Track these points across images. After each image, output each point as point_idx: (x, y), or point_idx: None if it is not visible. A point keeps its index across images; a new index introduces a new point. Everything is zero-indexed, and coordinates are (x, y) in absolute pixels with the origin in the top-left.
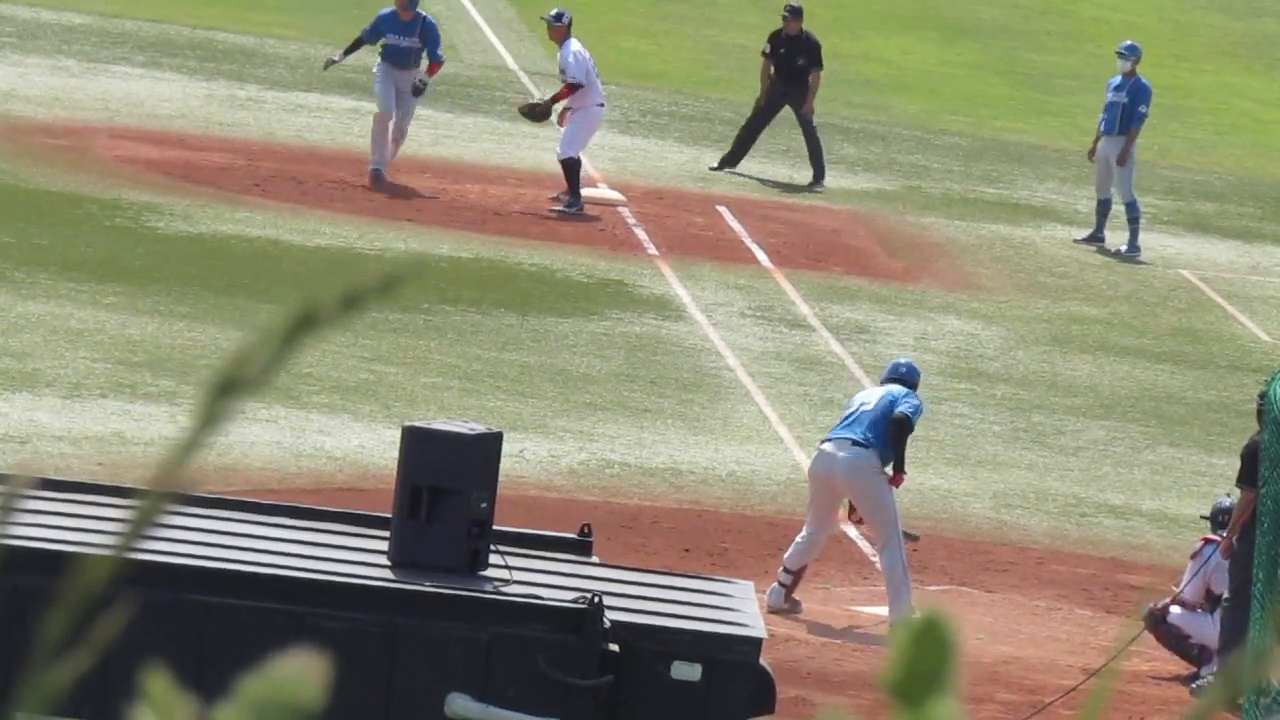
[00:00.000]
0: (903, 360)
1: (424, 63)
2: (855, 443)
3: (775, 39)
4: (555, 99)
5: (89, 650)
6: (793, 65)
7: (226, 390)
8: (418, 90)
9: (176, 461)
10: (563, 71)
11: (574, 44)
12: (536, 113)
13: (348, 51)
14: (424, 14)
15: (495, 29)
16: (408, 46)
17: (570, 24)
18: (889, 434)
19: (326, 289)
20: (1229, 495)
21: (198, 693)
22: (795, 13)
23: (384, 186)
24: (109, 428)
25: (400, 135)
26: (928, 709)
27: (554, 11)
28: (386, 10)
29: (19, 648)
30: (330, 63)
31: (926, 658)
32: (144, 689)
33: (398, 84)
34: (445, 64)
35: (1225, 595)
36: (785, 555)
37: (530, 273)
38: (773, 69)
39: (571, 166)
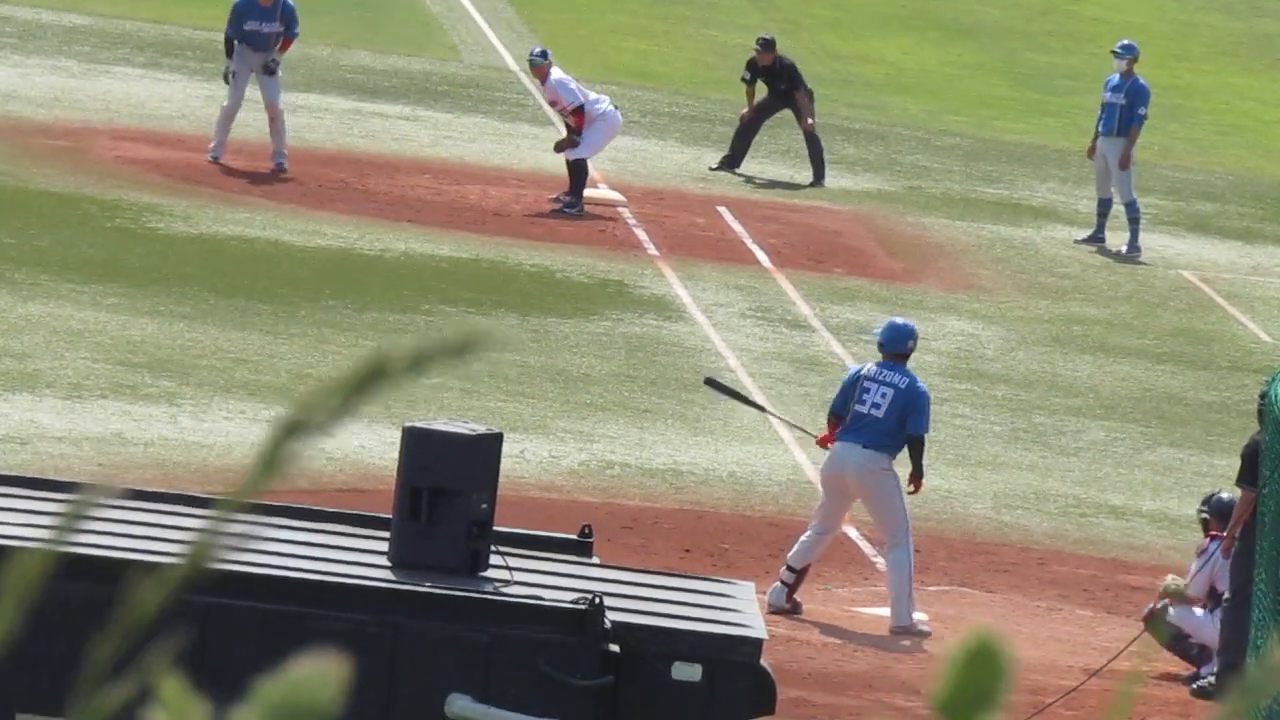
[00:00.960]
0: (899, 322)
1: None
2: (866, 445)
3: (752, 67)
4: (575, 130)
5: (148, 668)
6: (776, 90)
7: (291, 434)
8: (270, 70)
9: (239, 498)
10: (554, 104)
11: (555, 74)
12: (567, 144)
13: (228, 54)
14: None
15: (495, 29)
16: (269, 32)
17: (552, 61)
18: (911, 453)
19: (400, 343)
20: (1226, 491)
21: (198, 695)
22: (766, 45)
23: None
24: (109, 428)
25: (275, 116)
26: None
27: (538, 50)
28: None
29: (21, 652)
30: (229, 73)
31: (978, 678)
32: (158, 692)
33: (254, 68)
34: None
35: (1226, 594)
36: (789, 554)
37: (531, 273)
38: (765, 87)
39: (579, 168)
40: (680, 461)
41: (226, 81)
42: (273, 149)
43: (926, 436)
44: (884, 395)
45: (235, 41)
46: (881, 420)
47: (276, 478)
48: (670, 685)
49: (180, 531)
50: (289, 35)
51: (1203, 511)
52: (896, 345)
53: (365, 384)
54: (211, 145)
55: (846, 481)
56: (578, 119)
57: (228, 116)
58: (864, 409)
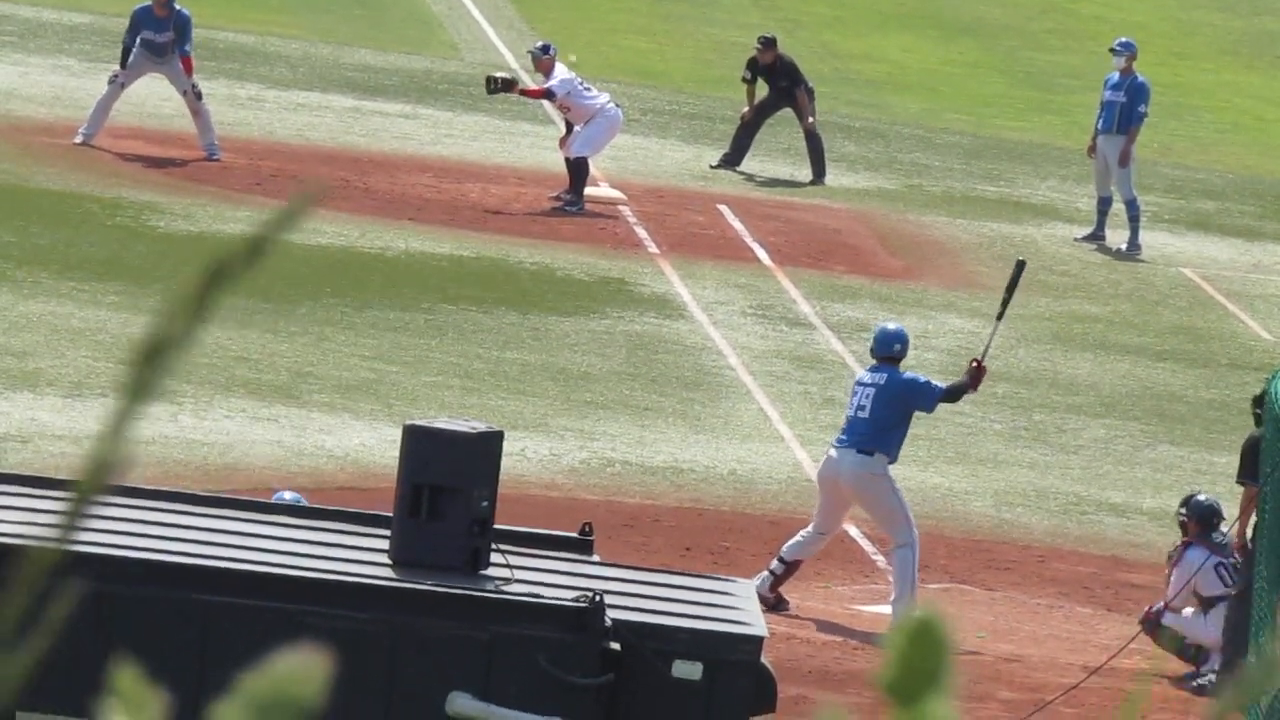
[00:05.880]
0: (890, 327)
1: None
2: (859, 450)
3: (753, 66)
4: (527, 93)
5: (41, 640)
6: (777, 88)
7: (154, 355)
8: (198, 96)
9: (113, 438)
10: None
11: (559, 70)
12: (498, 85)
13: (123, 63)
14: (179, 8)
15: (496, 27)
16: (163, 41)
17: (555, 56)
18: (950, 399)
19: (232, 237)
20: (1204, 494)
21: (198, 692)
22: (768, 43)
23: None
24: None
25: (196, 113)
26: (924, 708)
27: (540, 44)
28: (141, 6)
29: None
30: (118, 79)
31: (922, 657)
32: (113, 684)
33: (155, 71)
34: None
35: (1218, 594)
36: (783, 546)
37: (531, 271)
38: (766, 86)
39: (580, 167)
40: (681, 459)
41: (110, 84)
42: (202, 141)
43: (926, 436)
44: (868, 396)
45: (133, 50)
46: (868, 420)
47: (145, 405)
48: (670, 683)
49: (179, 530)
50: (183, 53)
51: (1181, 514)
52: (882, 349)
53: (213, 285)
54: (83, 128)
55: (841, 487)
56: (537, 92)
57: (109, 99)
58: (852, 412)
